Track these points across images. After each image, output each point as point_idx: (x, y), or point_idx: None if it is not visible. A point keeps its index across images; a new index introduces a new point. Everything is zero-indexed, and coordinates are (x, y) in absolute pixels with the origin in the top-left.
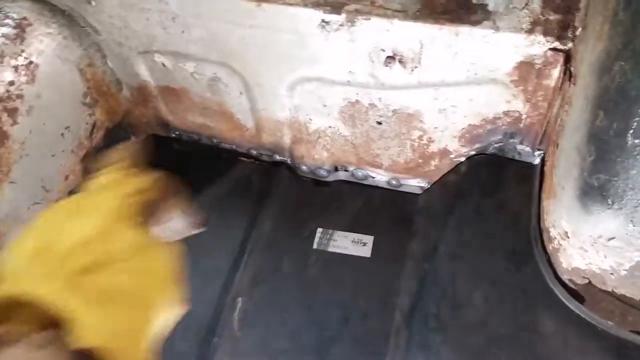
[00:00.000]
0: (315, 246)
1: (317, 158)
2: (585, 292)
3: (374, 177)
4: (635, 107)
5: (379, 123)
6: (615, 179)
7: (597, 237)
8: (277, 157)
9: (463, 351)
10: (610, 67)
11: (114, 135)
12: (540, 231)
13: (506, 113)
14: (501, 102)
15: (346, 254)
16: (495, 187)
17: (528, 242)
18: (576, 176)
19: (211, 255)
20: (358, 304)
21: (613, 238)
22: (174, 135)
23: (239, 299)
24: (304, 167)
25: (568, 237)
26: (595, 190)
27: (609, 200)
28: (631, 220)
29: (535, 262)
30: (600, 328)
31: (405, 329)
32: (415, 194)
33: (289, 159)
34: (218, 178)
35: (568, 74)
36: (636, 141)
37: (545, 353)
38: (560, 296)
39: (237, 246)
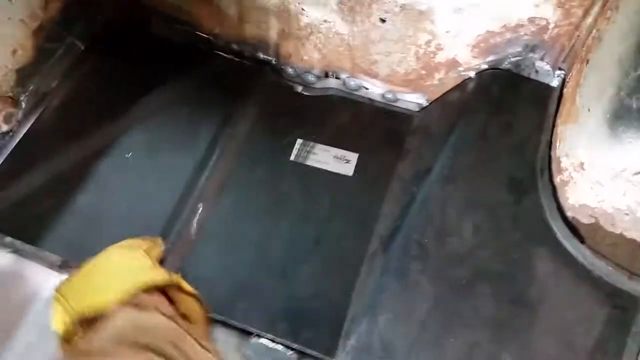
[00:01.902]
0: (292, 158)
1: (306, 60)
2: (588, 233)
3: (367, 89)
4: None
5: (383, 21)
6: None
7: (620, 169)
8: (261, 55)
9: (444, 283)
10: None
11: (75, 9)
12: (549, 161)
13: (531, 20)
14: (528, 5)
15: (326, 170)
16: (504, 108)
17: (532, 172)
18: (610, 95)
19: (175, 153)
20: (333, 224)
21: None
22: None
23: (201, 204)
24: (290, 70)
25: (583, 169)
26: (633, 114)
27: None
28: None
29: (537, 194)
30: (596, 274)
31: (381, 254)
32: (411, 111)
33: (274, 59)
34: (192, 69)
35: None
36: None
37: (534, 294)
38: (559, 235)
39: (205, 146)
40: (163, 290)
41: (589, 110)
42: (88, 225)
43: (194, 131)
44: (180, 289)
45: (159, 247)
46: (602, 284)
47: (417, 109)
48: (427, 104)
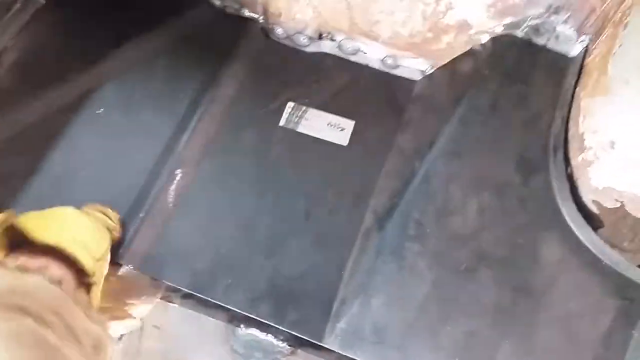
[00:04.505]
0: (282, 123)
1: (298, 18)
2: (609, 218)
3: (365, 53)
4: None
5: None
6: None
7: None
8: (246, 12)
9: (443, 266)
10: None
11: None
12: (565, 138)
13: None
14: None
15: (319, 138)
16: (517, 79)
17: (545, 151)
18: None
19: (152, 112)
20: (325, 197)
21: None
22: None
23: (180, 170)
24: (279, 30)
25: (613, 148)
26: None
27: None
28: None
29: (549, 175)
30: (605, 262)
31: (377, 231)
32: (413, 78)
33: (262, 17)
34: (170, 21)
35: None
36: None
37: (538, 282)
38: (569, 219)
39: (186, 106)
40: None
41: (626, 81)
42: (57, 186)
43: (173, 89)
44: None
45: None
46: (611, 274)
47: (419, 76)
48: (432, 70)
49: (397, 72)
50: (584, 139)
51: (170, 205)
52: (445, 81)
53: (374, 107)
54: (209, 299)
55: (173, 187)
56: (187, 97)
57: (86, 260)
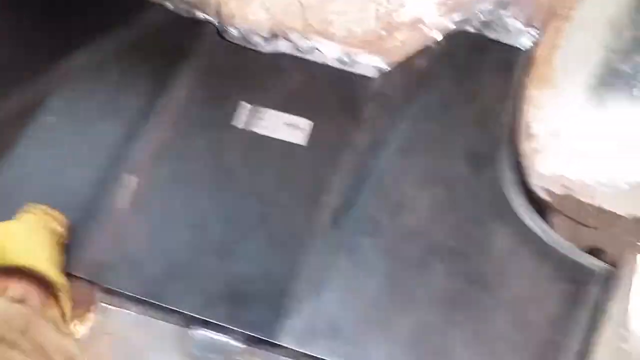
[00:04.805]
0: (238, 124)
1: (252, 19)
2: (560, 204)
3: (321, 52)
4: None
5: None
6: None
7: (604, 137)
8: (200, 15)
9: (396, 260)
10: None
11: None
12: (514, 129)
13: None
14: None
15: (275, 138)
16: (469, 75)
17: (494, 144)
18: (598, 58)
19: (103, 119)
20: (281, 198)
21: (627, 139)
22: None
23: (133, 177)
24: (233, 31)
25: (559, 136)
26: (623, 78)
27: (637, 90)
28: None
29: (498, 167)
30: (554, 248)
31: (332, 229)
32: (370, 76)
33: (216, 19)
34: (121, 24)
35: None
36: None
37: (489, 271)
38: (518, 209)
39: (137, 112)
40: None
41: (569, 74)
42: (4, 196)
43: (125, 94)
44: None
45: (60, 223)
46: (560, 259)
47: (376, 74)
48: (388, 68)
49: (354, 69)
50: (531, 128)
51: (123, 211)
52: (400, 78)
53: (331, 105)
54: (163, 305)
55: (125, 193)
56: (140, 102)
57: (48, 271)
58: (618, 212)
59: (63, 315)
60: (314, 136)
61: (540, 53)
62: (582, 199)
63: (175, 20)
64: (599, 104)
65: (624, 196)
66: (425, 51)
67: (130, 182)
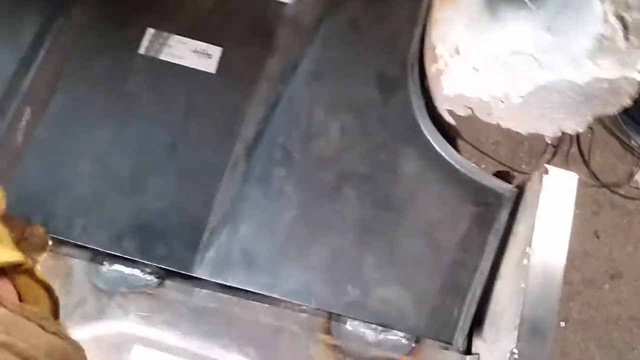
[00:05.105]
0: (142, 51)
1: None
2: (461, 126)
3: None
4: None
5: None
6: None
7: (497, 51)
8: None
9: (308, 188)
10: None
11: None
12: (421, 53)
13: None
14: None
15: (183, 66)
16: None
17: (403, 68)
18: None
19: None
20: (191, 128)
21: (520, 52)
22: None
23: (28, 108)
24: None
25: (458, 54)
26: None
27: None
28: (548, 28)
29: (407, 92)
30: (462, 172)
31: (244, 160)
32: (284, 2)
33: None
34: None
35: None
36: None
37: (399, 196)
38: (427, 133)
39: (31, 38)
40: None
41: None
42: None
43: (15, 21)
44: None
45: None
46: (468, 182)
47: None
48: None
49: None
50: (436, 48)
51: (19, 146)
52: (312, 2)
53: (243, 31)
54: (68, 240)
55: (21, 126)
56: (33, 27)
57: (8, 255)
58: (513, 129)
59: (55, 307)
60: (224, 64)
61: None
62: (481, 118)
63: None
64: (493, 17)
65: (518, 111)
66: None
67: (25, 114)
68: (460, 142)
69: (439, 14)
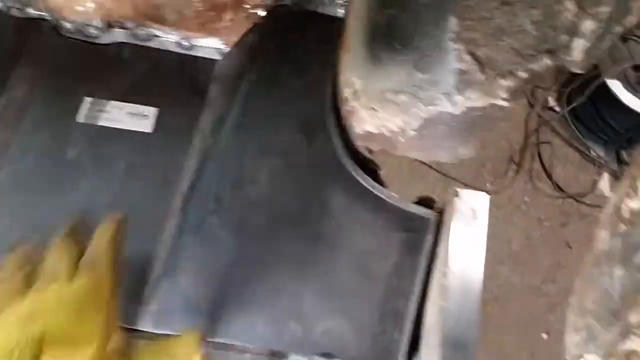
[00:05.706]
0: (81, 119)
1: (80, 11)
2: (380, 160)
3: (160, 38)
4: None
5: None
6: (403, 14)
7: (385, 91)
8: (32, 12)
9: (242, 232)
10: None
11: None
12: (335, 98)
13: None
14: None
15: (121, 129)
16: (295, 48)
17: (323, 111)
18: (363, 15)
19: None
20: (131, 187)
21: (402, 91)
22: None
23: None
24: (67, 25)
25: (358, 96)
26: (382, 31)
27: (395, 43)
28: (419, 67)
29: (329, 133)
30: (388, 202)
31: (181, 212)
32: (213, 58)
33: (47, 13)
34: None
35: None
36: None
37: (332, 230)
38: (350, 169)
39: None
40: None
41: (355, 35)
42: None
43: None
44: None
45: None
46: (395, 211)
47: (219, 56)
48: (227, 48)
49: (196, 53)
50: (344, 93)
51: None
52: (235, 58)
53: (178, 90)
54: None
55: None
56: None
57: None
58: (418, 158)
59: None
60: (160, 123)
61: (347, 20)
62: (390, 151)
63: (8, 20)
64: (375, 59)
65: (416, 143)
66: (253, 29)
67: None
68: (425, 169)
69: (343, 60)
